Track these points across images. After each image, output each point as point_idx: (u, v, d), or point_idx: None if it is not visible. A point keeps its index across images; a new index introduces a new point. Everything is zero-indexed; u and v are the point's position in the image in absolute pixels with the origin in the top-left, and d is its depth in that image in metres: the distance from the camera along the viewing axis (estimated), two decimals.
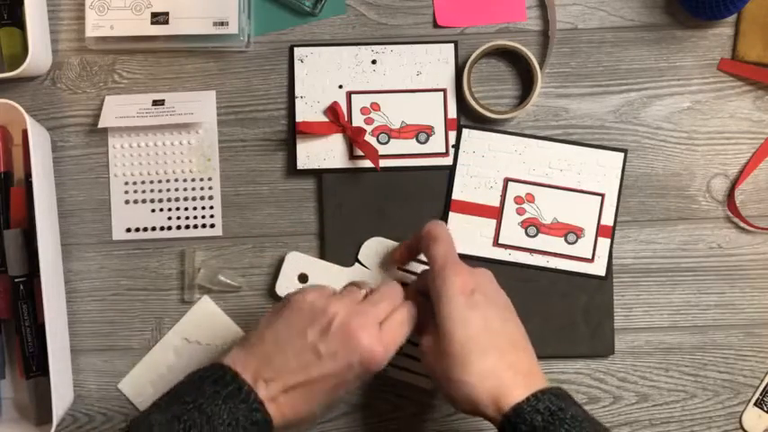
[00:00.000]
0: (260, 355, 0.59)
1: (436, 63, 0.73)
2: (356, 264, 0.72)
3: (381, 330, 0.60)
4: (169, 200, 0.74)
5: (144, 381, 0.73)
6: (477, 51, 0.72)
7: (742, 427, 0.73)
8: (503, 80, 0.74)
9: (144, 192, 0.74)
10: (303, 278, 0.73)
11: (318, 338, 0.59)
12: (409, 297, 0.64)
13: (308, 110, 0.73)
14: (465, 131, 0.73)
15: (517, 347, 0.61)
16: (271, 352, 0.59)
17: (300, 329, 0.60)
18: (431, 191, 0.73)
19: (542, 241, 0.72)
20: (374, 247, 0.72)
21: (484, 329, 0.60)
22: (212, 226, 0.74)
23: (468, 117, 0.74)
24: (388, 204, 0.73)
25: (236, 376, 0.58)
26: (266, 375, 0.58)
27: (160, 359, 0.73)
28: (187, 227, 0.74)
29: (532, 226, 0.73)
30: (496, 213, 0.73)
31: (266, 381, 0.58)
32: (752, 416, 0.73)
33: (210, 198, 0.74)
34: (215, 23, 0.72)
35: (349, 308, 0.60)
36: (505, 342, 0.60)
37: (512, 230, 0.73)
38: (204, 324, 0.73)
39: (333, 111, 0.73)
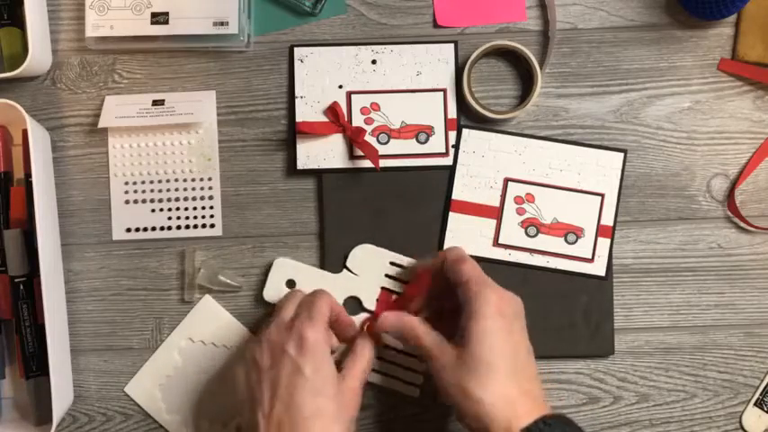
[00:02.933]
0: None
1: (436, 63, 0.73)
2: (344, 270, 0.72)
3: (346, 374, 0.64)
4: (169, 200, 0.74)
5: (151, 383, 0.73)
6: (477, 51, 0.72)
7: (742, 427, 0.73)
8: (503, 80, 0.74)
9: (144, 192, 0.74)
10: (291, 284, 0.73)
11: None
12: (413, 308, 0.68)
13: (308, 110, 0.73)
14: (465, 131, 0.73)
15: (533, 380, 0.62)
16: None
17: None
18: (431, 191, 0.73)
19: (542, 241, 0.72)
20: (362, 254, 0.72)
21: (512, 355, 0.61)
22: (212, 226, 0.74)
23: (469, 117, 0.74)
24: (388, 204, 0.73)
25: None
26: None
27: (165, 360, 0.73)
28: (187, 227, 0.74)
29: (532, 226, 0.73)
30: (496, 213, 0.73)
31: None
32: (752, 416, 0.73)
33: (210, 198, 0.74)
34: (215, 23, 0.72)
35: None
36: (527, 372, 0.61)
37: (512, 230, 0.73)
38: (207, 323, 0.73)
39: (333, 111, 0.73)
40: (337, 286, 0.72)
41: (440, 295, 0.68)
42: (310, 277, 0.72)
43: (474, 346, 0.60)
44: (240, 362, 0.65)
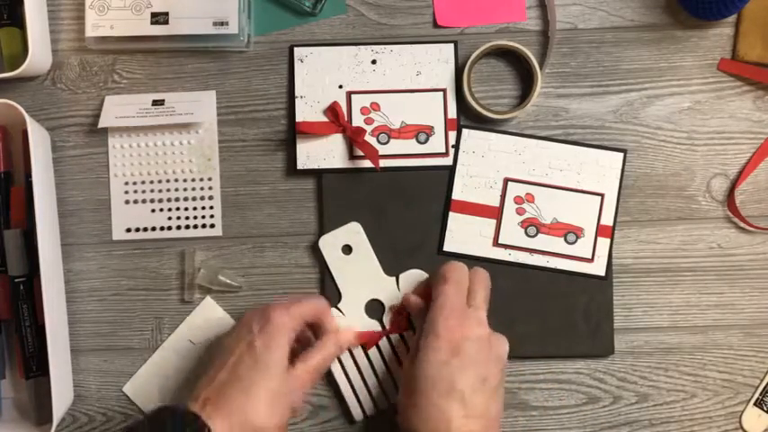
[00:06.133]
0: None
1: (436, 63, 0.73)
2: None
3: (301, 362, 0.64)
4: (169, 200, 0.74)
5: (150, 383, 0.73)
6: (477, 51, 0.72)
7: (742, 427, 0.73)
8: (503, 80, 0.74)
9: (144, 192, 0.74)
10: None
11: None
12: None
13: (308, 110, 0.73)
14: (465, 131, 0.73)
15: (475, 419, 0.61)
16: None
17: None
18: (431, 191, 0.73)
19: (542, 241, 0.72)
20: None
21: (449, 385, 0.61)
22: (212, 226, 0.74)
23: (469, 117, 0.74)
24: (388, 204, 0.73)
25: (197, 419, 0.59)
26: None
27: (165, 361, 0.73)
28: (187, 227, 0.74)
29: (532, 226, 0.73)
30: (496, 213, 0.73)
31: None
32: (752, 416, 0.73)
33: (210, 198, 0.74)
34: (215, 23, 0.72)
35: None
36: (468, 404, 0.61)
37: (512, 230, 0.73)
38: (208, 326, 0.73)
39: (333, 111, 0.73)
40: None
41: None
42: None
43: (416, 367, 0.62)
44: None
